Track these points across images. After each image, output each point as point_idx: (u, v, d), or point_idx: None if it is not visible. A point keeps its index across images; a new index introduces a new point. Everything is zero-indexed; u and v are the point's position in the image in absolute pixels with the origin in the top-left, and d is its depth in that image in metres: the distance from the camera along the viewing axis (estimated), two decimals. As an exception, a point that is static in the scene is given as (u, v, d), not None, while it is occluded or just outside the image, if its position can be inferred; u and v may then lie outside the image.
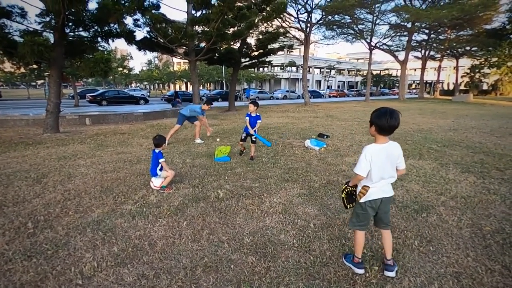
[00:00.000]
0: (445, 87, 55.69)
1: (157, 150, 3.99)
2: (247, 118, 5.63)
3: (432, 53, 38.68)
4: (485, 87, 47.93)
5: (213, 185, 4.21)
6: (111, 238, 2.72)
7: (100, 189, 4.02)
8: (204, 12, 11.08)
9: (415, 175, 4.72)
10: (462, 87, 45.70)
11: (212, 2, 10.58)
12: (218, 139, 7.80)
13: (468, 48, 35.42)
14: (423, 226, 2.98)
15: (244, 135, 5.74)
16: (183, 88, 61.58)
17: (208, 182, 4.34)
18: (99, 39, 9.52)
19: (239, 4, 11.41)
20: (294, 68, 55.93)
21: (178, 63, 61.76)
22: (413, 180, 4.44)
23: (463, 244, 2.65)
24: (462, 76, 44.92)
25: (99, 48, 10.91)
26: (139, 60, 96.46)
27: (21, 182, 4.28)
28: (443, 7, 25.21)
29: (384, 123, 1.95)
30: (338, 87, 67.51)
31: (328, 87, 59.16)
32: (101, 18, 8.29)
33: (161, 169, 4.00)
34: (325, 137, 8.12)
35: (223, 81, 48.96)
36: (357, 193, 2.16)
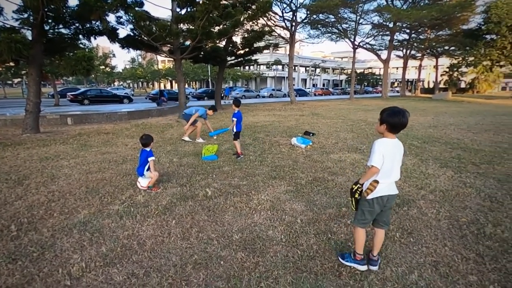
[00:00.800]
0: (426, 85, 57.41)
1: (148, 149, 3.96)
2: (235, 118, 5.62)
3: (413, 52, 39.81)
4: (463, 85, 49.73)
5: (201, 183, 4.23)
6: (99, 239, 2.71)
7: (86, 190, 3.96)
8: (189, 10, 10.98)
9: (397, 170, 4.90)
10: (441, 85, 47.31)
11: (197, 0, 10.50)
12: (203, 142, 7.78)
13: (447, 47, 36.68)
14: (404, 219, 3.12)
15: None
16: (168, 87, 60.62)
17: (196, 181, 4.35)
18: (80, 36, 9.27)
19: (224, 2, 11.37)
20: (279, 67, 56.15)
21: (163, 61, 60.74)
22: (395, 176, 4.61)
23: (441, 235, 2.80)
24: (441, 75, 46.47)
25: (80, 45, 10.66)
26: (122, 58, 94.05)
27: (0, 185, 4.15)
28: (423, 8, 26.00)
29: (397, 122, 2.01)
30: (323, 85, 68.34)
31: (313, 85, 59.74)
32: (83, 15, 8.07)
33: (148, 169, 3.95)
34: (311, 135, 8.25)
35: (209, 80, 48.63)
36: (364, 189, 2.13)
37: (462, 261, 2.38)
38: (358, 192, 2.16)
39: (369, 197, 2.11)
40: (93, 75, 46.18)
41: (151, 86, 69.45)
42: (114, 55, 41.41)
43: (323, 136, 8.17)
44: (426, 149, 6.57)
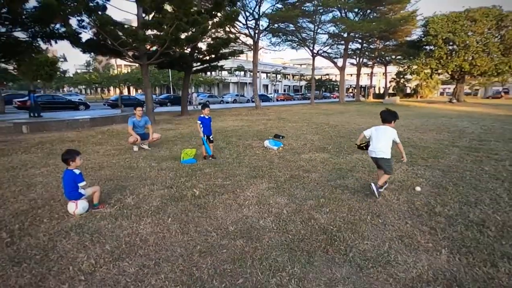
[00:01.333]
0: (377, 91, 62.29)
1: (76, 171, 3.33)
2: (200, 121, 5.87)
3: (365, 60, 43.15)
4: (408, 91, 54.94)
5: (187, 185, 4.41)
6: (100, 239, 2.81)
7: (69, 196, 3.92)
8: (156, 15, 10.95)
9: (361, 166, 5.53)
10: (390, 91, 51.76)
11: (163, 7, 10.54)
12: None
13: (394, 56, 40.38)
14: (372, 205, 3.65)
15: (205, 137, 5.98)
16: (125, 92, 58.04)
17: (181, 182, 4.52)
18: (39, 40, 8.81)
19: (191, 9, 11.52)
20: (241, 73, 56.91)
21: (119, 66, 58.08)
22: (360, 171, 5.22)
23: (403, 215, 3.35)
24: (390, 81, 50.92)
25: (36, 50, 10.07)
26: (73, 62, 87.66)
27: (-29, 195, 3.94)
28: (373, 20, 28.53)
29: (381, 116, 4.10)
30: (284, 91, 70.58)
31: (274, 91, 61.48)
32: (44, 18, 7.73)
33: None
34: (280, 137, 8.74)
35: (170, 85, 47.61)
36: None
37: (420, 234, 2.93)
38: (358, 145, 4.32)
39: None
40: (39, 80, 42.72)
41: (106, 91, 65.88)
42: (65, 59, 38.68)
43: (292, 139, 8.71)
44: (383, 147, 7.39)
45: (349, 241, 2.77)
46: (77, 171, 3.38)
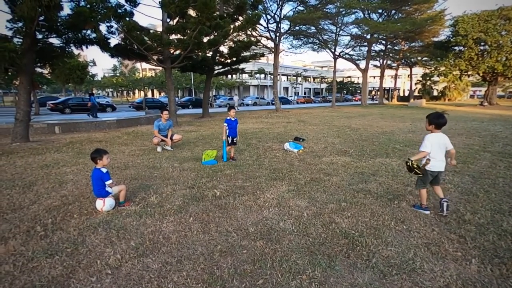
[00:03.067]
0: (401, 94, 60.30)
1: (104, 170, 3.49)
2: (226, 123, 5.96)
3: (389, 62, 41.94)
4: (435, 93, 52.72)
5: (208, 185, 4.49)
6: (125, 235, 2.91)
7: (97, 193, 4.10)
8: (180, 20, 11.27)
9: (384, 170, 5.38)
10: (416, 94, 49.91)
11: (188, 12, 10.83)
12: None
13: (419, 58, 38.94)
14: (396, 211, 3.53)
15: (230, 139, 6.08)
16: (149, 95, 59.97)
17: (202, 183, 4.60)
18: (71, 45, 9.31)
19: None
20: (261, 75, 57.10)
21: (144, 70, 60.12)
22: (383, 175, 5.08)
23: (429, 222, 3.22)
24: (415, 84, 49.11)
25: (69, 55, 10.63)
26: (101, 67, 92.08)
27: (10, 191, 4.22)
28: (398, 21, 27.73)
29: (441, 122, 3.38)
30: (305, 93, 70.08)
31: (294, 93, 61.15)
32: (76, 24, 8.17)
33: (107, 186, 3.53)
34: (301, 140, 8.68)
35: (192, 88, 48.63)
36: (423, 163, 3.38)
37: (448, 242, 2.80)
38: (415, 166, 3.38)
39: (427, 168, 3.35)
40: (70, 84, 45.20)
41: (131, 94, 68.33)
42: (94, 64, 40.61)
43: (313, 142, 8.62)
44: (408, 151, 7.15)
45: (371, 246, 2.70)
46: (104, 170, 3.53)
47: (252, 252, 2.61)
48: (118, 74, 54.61)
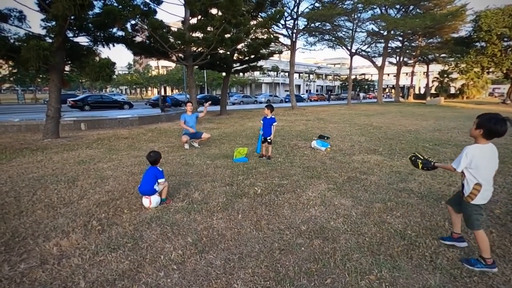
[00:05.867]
0: (417, 91, 58.94)
1: (160, 168, 3.65)
2: (262, 121, 5.98)
3: (405, 59, 41.03)
4: (452, 91, 51.31)
5: (246, 183, 4.49)
6: (180, 231, 2.95)
7: (140, 189, 4.17)
8: (202, 18, 11.31)
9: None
10: (432, 91, 48.68)
11: (211, 10, 10.87)
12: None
13: (438, 54, 37.93)
14: (446, 212, 3.44)
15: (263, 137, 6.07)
16: (162, 92, 60.67)
17: (240, 180, 4.61)
18: (99, 43, 9.48)
19: (235, 11, 11.76)
20: (273, 73, 56.88)
21: (156, 67, 60.75)
22: (422, 175, 4.97)
23: (485, 224, 3.13)
24: (432, 81, 47.86)
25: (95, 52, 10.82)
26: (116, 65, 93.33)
27: (55, 186, 4.34)
28: (416, 17, 27.04)
29: (499, 130, 2.11)
30: (317, 91, 69.39)
31: (307, 91, 60.65)
32: (106, 23, 8.31)
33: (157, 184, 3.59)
34: (325, 138, 8.60)
35: (205, 86, 48.92)
36: (467, 194, 2.31)
37: (511, 244, 2.71)
38: (421, 166, 2.68)
39: (475, 202, 2.30)
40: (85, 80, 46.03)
41: (144, 92, 69.25)
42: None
43: (338, 140, 8.52)
44: (440, 151, 6.98)
45: (432, 247, 2.65)
46: (160, 168, 3.63)
47: (311, 250, 2.60)
48: (132, 72, 55.37)
